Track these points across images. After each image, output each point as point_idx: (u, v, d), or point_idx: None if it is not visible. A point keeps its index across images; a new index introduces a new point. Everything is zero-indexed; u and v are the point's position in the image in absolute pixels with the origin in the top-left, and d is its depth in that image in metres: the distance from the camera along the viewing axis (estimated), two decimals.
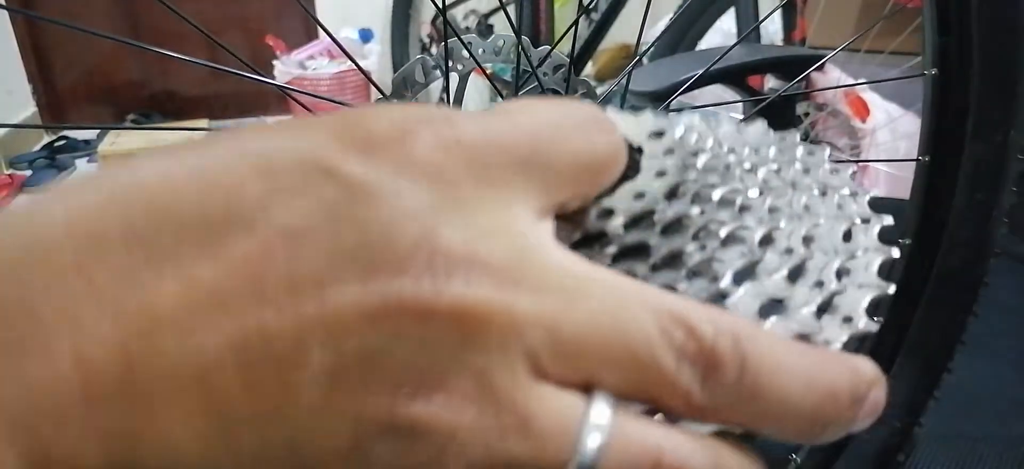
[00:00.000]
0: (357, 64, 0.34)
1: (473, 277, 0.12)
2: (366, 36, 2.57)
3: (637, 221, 0.18)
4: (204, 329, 0.12)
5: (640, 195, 0.18)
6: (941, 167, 0.39)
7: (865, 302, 0.17)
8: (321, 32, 2.77)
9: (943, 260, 0.40)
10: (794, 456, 0.44)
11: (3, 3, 0.89)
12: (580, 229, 0.17)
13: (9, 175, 2.29)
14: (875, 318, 0.17)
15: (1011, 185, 0.38)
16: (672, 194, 0.18)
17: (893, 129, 1.60)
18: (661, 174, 0.19)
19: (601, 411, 0.13)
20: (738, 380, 0.14)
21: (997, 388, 0.53)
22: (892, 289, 0.18)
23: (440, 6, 0.32)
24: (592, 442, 0.13)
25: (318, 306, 0.12)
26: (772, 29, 1.72)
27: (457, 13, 2.64)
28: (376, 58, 2.51)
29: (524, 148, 0.14)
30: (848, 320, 0.17)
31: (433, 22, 2.64)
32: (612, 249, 0.17)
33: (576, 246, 0.17)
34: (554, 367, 0.13)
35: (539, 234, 0.14)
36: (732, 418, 0.14)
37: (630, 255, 0.17)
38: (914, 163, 0.41)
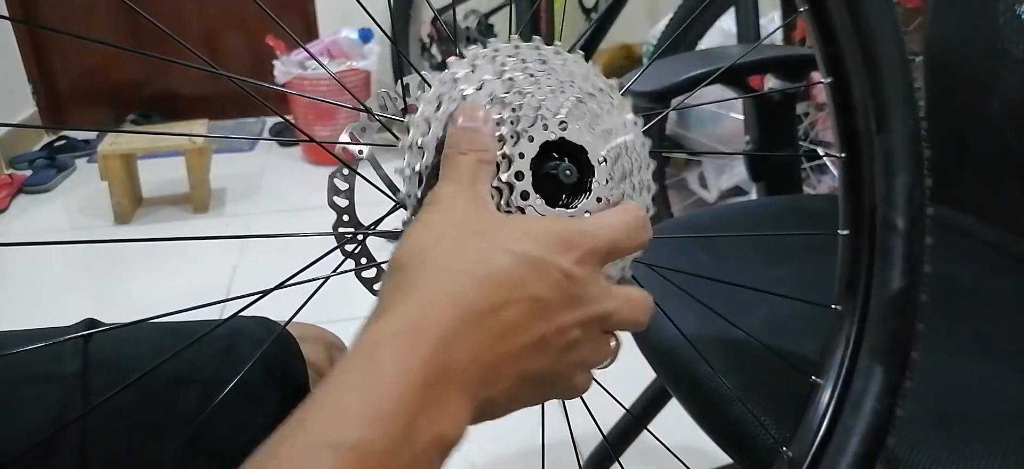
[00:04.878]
0: (333, 75, 0.34)
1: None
2: (366, 36, 2.57)
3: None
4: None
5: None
6: (858, 160, 0.44)
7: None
8: (321, 32, 2.77)
9: (881, 243, 0.44)
10: (785, 449, 0.45)
11: (5, 13, 0.89)
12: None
13: (9, 175, 2.29)
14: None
15: (925, 167, 0.43)
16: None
17: None
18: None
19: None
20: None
21: (997, 388, 0.53)
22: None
23: (435, 10, 0.32)
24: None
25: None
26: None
27: (458, 13, 2.64)
28: (376, 58, 2.51)
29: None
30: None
31: (433, 22, 2.64)
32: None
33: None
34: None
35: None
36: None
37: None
38: None
